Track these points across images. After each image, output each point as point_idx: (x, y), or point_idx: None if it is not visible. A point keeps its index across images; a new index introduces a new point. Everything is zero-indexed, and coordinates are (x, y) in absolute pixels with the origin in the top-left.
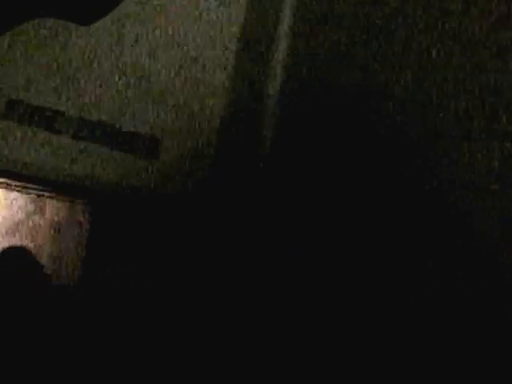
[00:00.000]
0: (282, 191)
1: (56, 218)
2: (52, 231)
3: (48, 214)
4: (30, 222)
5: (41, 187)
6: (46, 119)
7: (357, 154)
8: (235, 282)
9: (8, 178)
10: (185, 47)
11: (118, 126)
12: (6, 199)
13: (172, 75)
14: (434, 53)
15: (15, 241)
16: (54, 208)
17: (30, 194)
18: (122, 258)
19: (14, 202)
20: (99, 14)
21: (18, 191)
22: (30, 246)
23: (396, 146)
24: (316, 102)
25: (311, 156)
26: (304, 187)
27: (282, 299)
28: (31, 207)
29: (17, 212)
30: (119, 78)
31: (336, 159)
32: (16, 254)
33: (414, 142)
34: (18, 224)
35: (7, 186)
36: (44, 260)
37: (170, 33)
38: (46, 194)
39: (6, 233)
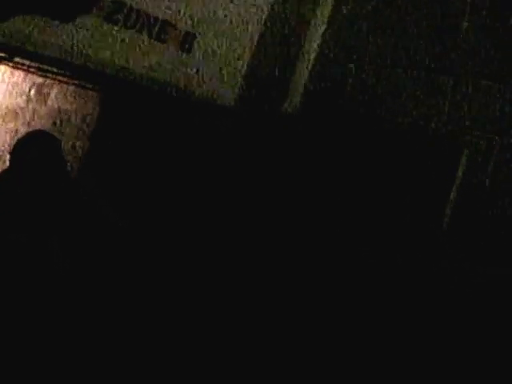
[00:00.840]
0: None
1: (59, 107)
2: (53, 119)
3: (50, 102)
4: (30, 109)
5: (57, 70)
6: None
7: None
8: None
9: (25, 57)
10: None
11: (153, 13)
12: (6, 84)
13: None
14: None
15: (13, 126)
16: (57, 96)
17: (35, 76)
18: (125, 158)
19: (14, 87)
20: (81, 11)
21: (27, 72)
22: (25, 131)
23: None
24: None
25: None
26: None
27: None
28: (33, 93)
29: (17, 97)
30: None
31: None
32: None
33: None
34: (17, 109)
35: (16, 66)
36: None
37: None
38: (56, 77)
39: (4, 118)
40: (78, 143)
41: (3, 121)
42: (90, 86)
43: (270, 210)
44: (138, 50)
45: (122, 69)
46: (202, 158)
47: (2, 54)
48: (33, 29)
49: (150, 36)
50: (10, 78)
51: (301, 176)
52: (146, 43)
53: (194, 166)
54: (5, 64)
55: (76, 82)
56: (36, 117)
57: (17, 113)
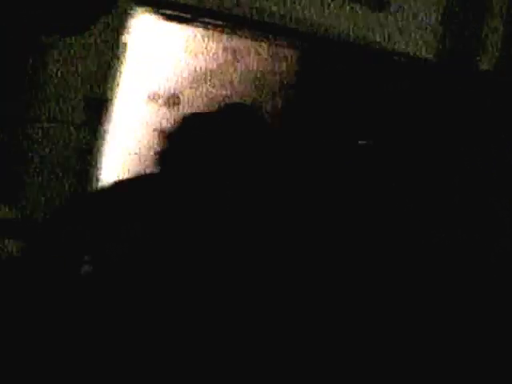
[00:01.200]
0: None
1: (253, 68)
2: (247, 82)
3: (244, 64)
4: (224, 71)
5: (250, 31)
6: None
7: None
8: None
9: (214, 18)
10: None
11: None
12: (196, 46)
13: None
14: None
15: (206, 90)
16: (251, 57)
17: (227, 38)
18: (326, 118)
19: (206, 50)
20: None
21: (218, 33)
22: (223, 95)
23: None
24: None
25: None
26: None
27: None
28: (226, 56)
29: (209, 61)
30: None
31: None
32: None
33: None
34: (209, 73)
35: (206, 27)
36: None
37: None
38: (249, 38)
39: (197, 82)
40: (274, 105)
41: (195, 85)
42: (285, 46)
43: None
44: (332, 7)
45: (317, 27)
46: (403, 115)
47: (191, 16)
48: None
49: None
50: (200, 40)
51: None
52: (340, 0)
53: (396, 126)
54: (195, 26)
55: (270, 42)
56: (230, 80)
57: (209, 76)
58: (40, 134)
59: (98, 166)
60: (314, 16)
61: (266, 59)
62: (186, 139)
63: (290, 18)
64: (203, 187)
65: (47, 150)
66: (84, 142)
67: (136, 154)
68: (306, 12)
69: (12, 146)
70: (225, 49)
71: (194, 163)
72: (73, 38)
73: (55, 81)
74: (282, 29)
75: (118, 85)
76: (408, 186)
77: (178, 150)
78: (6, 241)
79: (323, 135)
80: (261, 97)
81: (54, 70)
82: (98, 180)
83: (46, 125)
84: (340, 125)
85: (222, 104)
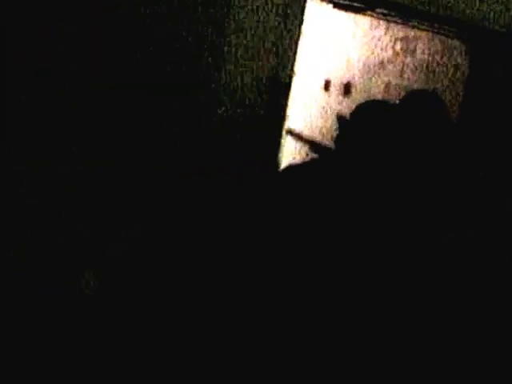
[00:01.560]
0: None
1: (427, 58)
2: (422, 71)
3: (418, 54)
4: (397, 61)
5: (420, 22)
6: None
7: None
8: None
9: (386, 8)
10: None
11: None
12: (370, 37)
13: None
14: None
15: (378, 78)
16: (424, 48)
17: (399, 28)
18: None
19: (378, 40)
20: None
21: (390, 23)
22: (396, 84)
23: None
24: None
25: None
26: None
27: None
28: (398, 46)
29: (381, 50)
30: None
31: None
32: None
33: None
34: (383, 62)
35: (378, 17)
36: None
37: None
38: (421, 29)
39: (370, 70)
40: (450, 97)
41: (368, 74)
42: (455, 38)
43: None
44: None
45: (484, 20)
46: None
47: (364, 5)
48: None
49: None
50: (372, 29)
51: None
52: None
53: None
54: (367, 15)
55: (441, 33)
56: (402, 69)
57: (381, 66)
58: (222, 117)
59: (278, 150)
60: (483, 8)
61: (436, 50)
62: (363, 127)
63: (460, 10)
64: (380, 175)
65: (229, 134)
66: (264, 125)
67: (312, 140)
68: (474, 4)
69: (195, 128)
70: (397, 39)
71: (370, 152)
72: (252, 23)
73: (235, 64)
74: (451, 20)
75: (294, 71)
76: None
77: (354, 138)
78: None
79: (491, 130)
80: (431, 87)
81: (234, 53)
82: (278, 164)
83: (227, 108)
84: (508, 121)
85: (406, 92)
